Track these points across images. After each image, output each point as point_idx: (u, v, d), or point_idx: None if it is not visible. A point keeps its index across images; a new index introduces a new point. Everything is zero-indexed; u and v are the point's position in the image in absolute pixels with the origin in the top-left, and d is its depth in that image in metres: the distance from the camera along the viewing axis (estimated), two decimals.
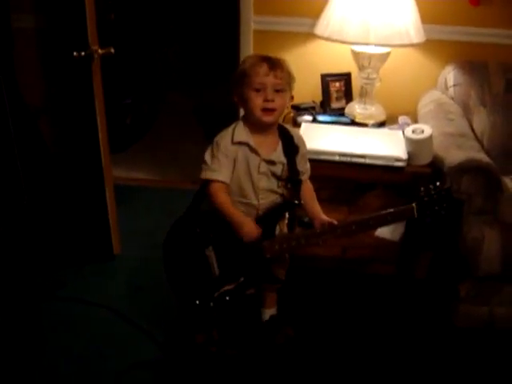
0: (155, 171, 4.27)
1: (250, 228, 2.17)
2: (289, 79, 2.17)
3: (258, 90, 2.12)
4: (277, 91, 2.13)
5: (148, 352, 2.51)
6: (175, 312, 2.69)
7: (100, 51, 2.71)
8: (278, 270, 2.40)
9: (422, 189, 2.10)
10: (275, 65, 2.12)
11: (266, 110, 2.14)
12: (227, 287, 2.27)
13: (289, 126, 2.42)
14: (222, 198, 2.19)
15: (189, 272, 2.31)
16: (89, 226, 3.10)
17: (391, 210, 2.15)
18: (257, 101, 2.12)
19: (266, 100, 2.12)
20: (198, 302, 2.31)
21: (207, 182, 2.21)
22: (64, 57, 2.68)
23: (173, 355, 2.51)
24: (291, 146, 2.24)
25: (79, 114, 2.87)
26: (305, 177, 2.34)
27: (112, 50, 2.74)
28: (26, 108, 3.14)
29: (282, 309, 2.65)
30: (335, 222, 2.21)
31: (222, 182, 2.19)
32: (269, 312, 2.61)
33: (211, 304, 2.29)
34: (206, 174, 2.20)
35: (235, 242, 2.20)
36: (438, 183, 2.11)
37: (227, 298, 2.27)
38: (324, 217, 2.25)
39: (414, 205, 2.10)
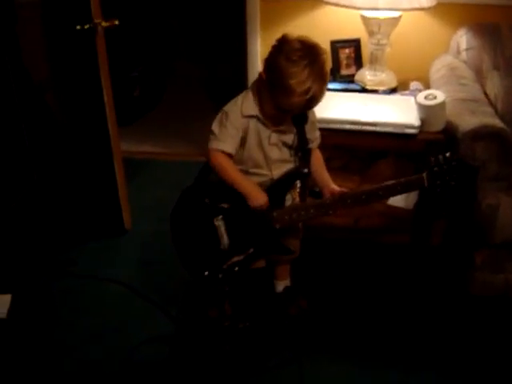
0: (165, 144, 4.24)
1: (256, 194, 2.14)
2: None
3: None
4: None
5: (161, 327, 2.51)
6: (188, 286, 2.68)
7: (104, 24, 2.66)
8: (291, 241, 2.36)
9: (432, 159, 2.07)
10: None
11: None
12: (236, 258, 2.26)
13: None
14: (228, 165, 2.15)
15: (197, 243, 2.29)
16: (99, 201, 3.09)
17: (402, 179, 2.12)
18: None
19: None
20: (206, 273, 2.30)
21: (213, 152, 2.16)
22: (68, 30, 2.64)
23: (186, 330, 2.51)
24: (300, 115, 2.18)
25: (85, 88, 2.84)
26: (314, 145, 2.30)
27: (116, 22, 2.69)
28: (32, 83, 3.10)
29: (296, 280, 2.63)
30: (345, 191, 2.18)
31: (227, 153, 2.14)
32: (282, 283, 2.60)
33: (220, 275, 2.28)
34: (213, 144, 2.15)
35: (245, 213, 2.18)
36: (448, 154, 2.06)
37: (236, 269, 2.26)
38: (334, 186, 2.23)
39: (424, 175, 2.07)
